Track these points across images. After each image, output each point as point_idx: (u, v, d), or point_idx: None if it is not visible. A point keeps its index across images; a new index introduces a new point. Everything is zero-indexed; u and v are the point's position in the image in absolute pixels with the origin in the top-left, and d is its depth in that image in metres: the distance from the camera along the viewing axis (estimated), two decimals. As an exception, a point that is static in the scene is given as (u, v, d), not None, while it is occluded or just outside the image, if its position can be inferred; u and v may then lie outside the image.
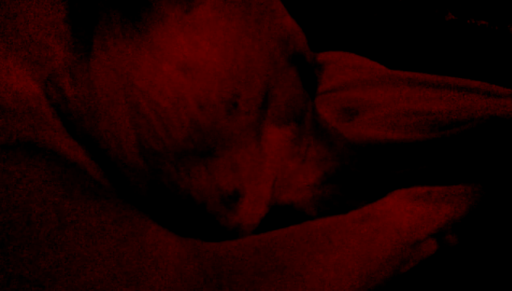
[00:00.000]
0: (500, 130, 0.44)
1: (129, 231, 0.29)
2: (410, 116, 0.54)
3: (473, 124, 0.46)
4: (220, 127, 0.32)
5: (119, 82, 0.31)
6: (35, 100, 0.30)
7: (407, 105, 0.58)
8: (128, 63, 0.31)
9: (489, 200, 0.41)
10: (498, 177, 0.42)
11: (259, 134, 0.35)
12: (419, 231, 0.36)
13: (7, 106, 0.29)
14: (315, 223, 0.33)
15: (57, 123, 0.31)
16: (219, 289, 0.28)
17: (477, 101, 0.56)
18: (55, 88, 0.31)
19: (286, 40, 0.37)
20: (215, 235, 0.34)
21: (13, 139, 0.28)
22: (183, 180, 0.32)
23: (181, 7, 0.32)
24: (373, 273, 0.32)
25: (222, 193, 0.33)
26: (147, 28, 0.31)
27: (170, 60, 0.31)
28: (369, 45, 1.03)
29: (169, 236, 0.30)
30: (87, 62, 0.31)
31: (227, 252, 0.30)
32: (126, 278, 0.25)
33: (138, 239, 0.29)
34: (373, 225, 0.34)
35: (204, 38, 0.32)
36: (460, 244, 0.40)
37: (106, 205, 0.29)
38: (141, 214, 0.30)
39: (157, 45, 0.31)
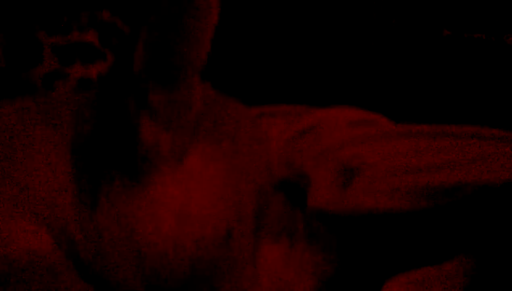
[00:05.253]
0: (493, 200, 0.46)
1: None
2: (406, 176, 0.56)
3: (465, 193, 0.48)
4: (217, 259, 0.36)
5: (123, 231, 0.35)
6: (51, 254, 0.34)
7: (403, 162, 0.59)
8: (130, 215, 0.35)
9: (482, 276, 0.43)
10: (492, 249, 0.44)
11: (255, 255, 0.38)
12: None
13: (30, 266, 0.33)
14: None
15: (72, 272, 0.34)
16: None
17: (474, 154, 0.57)
18: (66, 240, 0.34)
19: (272, 170, 0.40)
20: None
21: None
22: None
23: (173, 161, 0.36)
24: None
25: None
26: (144, 183, 0.36)
27: (166, 210, 0.35)
28: (367, 72, 1.05)
29: None
30: (93, 215, 0.35)
31: None
32: None
33: None
34: None
35: (196, 187, 0.36)
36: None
37: None
38: None
39: (154, 198, 0.35)
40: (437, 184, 0.52)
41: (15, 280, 0.32)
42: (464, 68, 1.10)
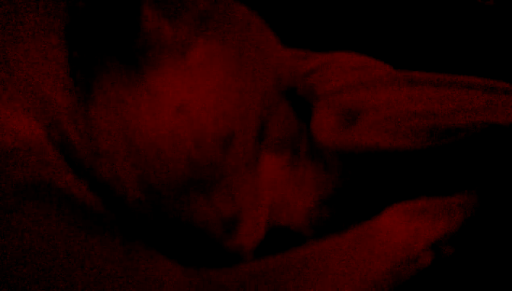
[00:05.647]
0: (498, 138, 0.45)
1: (134, 262, 0.31)
2: (410, 119, 0.55)
3: (472, 131, 0.47)
4: (216, 162, 0.34)
5: (118, 125, 0.33)
6: (40, 143, 0.32)
7: (408, 106, 0.58)
8: (126, 107, 0.33)
9: (484, 210, 0.42)
10: (495, 185, 0.43)
11: (255, 163, 0.36)
12: (415, 247, 0.37)
13: (15, 152, 0.31)
14: (312, 247, 0.35)
15: (62, 163, 0.32)
16: None
17: (479, 102, 0.56)
18: (59, 132, 0.33)
19: (279, 76, 0.38)
20: (218, 257, 0.37)
21: (21, 182, 0.30)
22: (184, 211, 0.34)
23: (175, 52, 0.34)
24: (369, 293, 0.34)
25: (222, 219, 0.35)
26: (143, 74, 0.33)
27: (166, 103, 0.33)
28: (371, 29, 1.03)
29: (174, 267, 0.32)
30: (87, 107, 0.33)
31: (228, 280, 0.32)
32: None
33: (143, 268, 0.31)
34: (368, 245, 0.35)
35: (199, 82, 0.34)
36: (455, 253, 0.41)
37: (114, 239, 0.31)
38: (146, 245, 0.32)
39: (154, 90, 0.33)
40: (443, 124, 0.51)
41: (2, 164, 0.31)
42: (470, 33, 1.08)
